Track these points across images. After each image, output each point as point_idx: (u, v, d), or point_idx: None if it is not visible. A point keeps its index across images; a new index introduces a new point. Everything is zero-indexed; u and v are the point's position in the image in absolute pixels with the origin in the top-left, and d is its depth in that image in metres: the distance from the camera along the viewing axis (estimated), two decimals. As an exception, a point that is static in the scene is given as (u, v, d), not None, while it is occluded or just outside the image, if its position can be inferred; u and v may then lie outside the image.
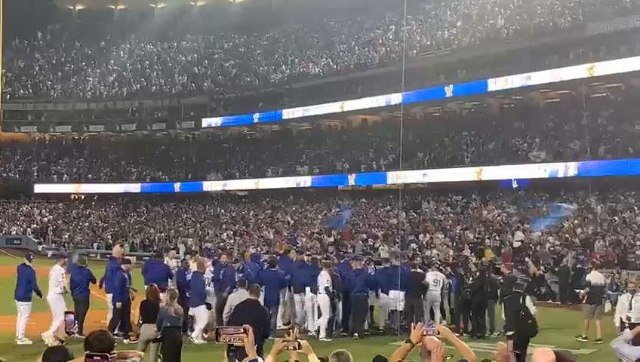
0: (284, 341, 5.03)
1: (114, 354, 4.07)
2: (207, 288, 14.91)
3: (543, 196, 34.54)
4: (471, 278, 16.66)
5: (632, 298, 12.80)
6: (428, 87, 40.30)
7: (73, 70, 64.96)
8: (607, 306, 18.90)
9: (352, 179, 43.41)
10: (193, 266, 15.49)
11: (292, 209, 45.59)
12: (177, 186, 53.57)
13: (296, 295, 16.19)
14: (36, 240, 47.49)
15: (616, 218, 29.37)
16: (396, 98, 41.41)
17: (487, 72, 38.82)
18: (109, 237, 46.60)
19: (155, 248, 36.99)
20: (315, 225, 40.09)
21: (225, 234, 42.34)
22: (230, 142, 56.43)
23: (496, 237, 30.47)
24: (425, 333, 5.29)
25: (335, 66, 49.50)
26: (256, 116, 52.25)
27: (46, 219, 53.22)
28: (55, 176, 58.50)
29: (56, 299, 14.10)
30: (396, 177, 35.92)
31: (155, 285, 12.36)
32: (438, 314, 16.57)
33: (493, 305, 16.31)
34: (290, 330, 5.23)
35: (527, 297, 12.09)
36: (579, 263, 23.68)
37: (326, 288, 15.11)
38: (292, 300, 16.46)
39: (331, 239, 35.68)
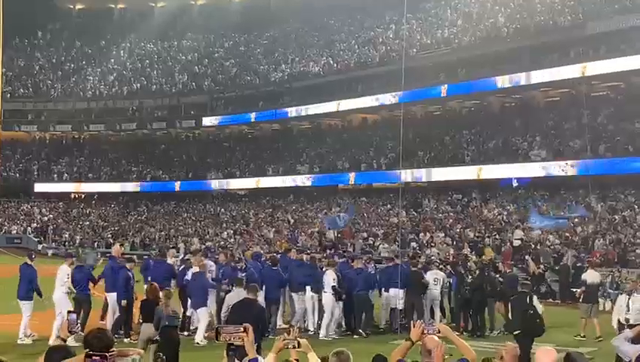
0: (284, 339, 5.04)
1: (113, 351, 4.06)
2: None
3: (544, 195, 34.55)
4: (470, 277, 16.68)
5: (629, 299, 12.77)
6: (427, 86, 40.34)
7: (73, 69, 64.96)
8: (608, 305, 18.92)
9: (352, 177, 43.50)
10: (195, 266, 15.49)
11: (292, 208, 45.63)
12: (177, 185, 53.58)
13: (293, 294, 16.18)
14: (36, 240, 47.45)
15: (617, 216, 29.39)
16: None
17: (488, 71, 38.83)
18: (110, 236, 46.60)
19: (154, 247, 37.07)
20: (316, 223, 40.09)
21: (225, 233, 42.35)
22: (230, 141, 56.44)
23: (497, 236, 30.50)
24: (425, 332, 5.29)
25: (335, 65, 49.51)
26: (252, 115, 52.29)
27: (46, 219, 53.21)
28: (55, 175, 58.52)
29: (62, 299, 14.08)
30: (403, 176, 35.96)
31: (156, 284, 12.37)
32: (438, 313, 16.57)
33: (493, 303, 16.32)
34: (290, 329, 5.23)
35: (535, 296, 12.14)
36: (579, 262, 23.69)
37: (332, 287, 15.12)
38: (292, 299, 16.48)
39: (331, 237, 35.71)
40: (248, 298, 10.41)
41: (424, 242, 31.37)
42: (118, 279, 14.66)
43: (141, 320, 12.13)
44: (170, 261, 17.17)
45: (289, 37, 59.17)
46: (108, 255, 19.04)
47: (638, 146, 30.98)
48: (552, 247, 27.17)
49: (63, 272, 14.49)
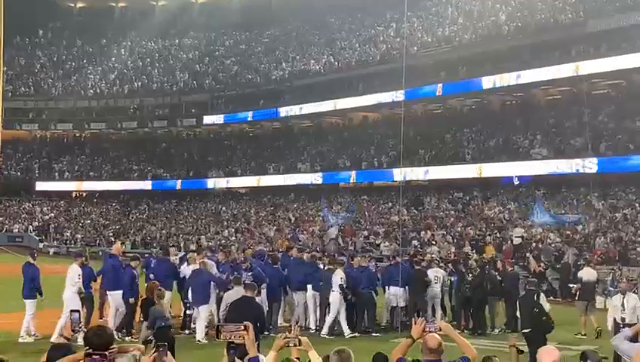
0: (284, 337, 5.05)
1: (114, 348, 4.07)
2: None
3: (545, 193, 34.52)
4: (471, 275, 16.69)
5: (624, 298, 12.76)
6: (426, 84, 40.38)
7: (74, 68, 64.93)
8: (608, 302, 18.89)
9: (353, 176, 43.51)
10: (195, 264, 15.49)
11: (293, 206, 45.64)
12: (179, 183, 53.60)
13: (293, 292, 16.17)
14: (38, 238, 47.52)
15: (617, 214, 29.39)
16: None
17: (488, 69, 38.80)
18: (111, 234, 46.62)
19: (154, 245, 37.11)
20: (317, 222, 40.10)
21: (226, 231, 42.36)
22: (231, 140, 56.44)
23: (497, 234, 30.50)
24: (426, 330, 5.29)
25: (336, 63, 49.49)
26: (250, 114, 52.25)
27: (47, 217, 53.28)
28: (56, 173, 58.52)
29: (72, 298, 14.03)
30: (401, 175, 35.96)
31: (156, 283, 12.37)
32: (439, 311, 16.60)
33: (494, 301, 16.32)
34: (291, 327, 5.24)
35: (542, 294, 12.15)
36: (580, 260, 23.67)
37: (340, 286, 15.12)
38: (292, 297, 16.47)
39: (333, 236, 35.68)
40: (247, 296, 10.42)
41: (425, 240, 31.37)
42: (122, 277, 14.64)
43: (142, 319, 12.15)
44: (172, 259, 17.18)
45: (290, 35, 59.16)
46: (108, 253, 19.02)
47: (639, 144, 30.94)
48: (552, 245, 27.18)
49: (74, 272, 14.28)
